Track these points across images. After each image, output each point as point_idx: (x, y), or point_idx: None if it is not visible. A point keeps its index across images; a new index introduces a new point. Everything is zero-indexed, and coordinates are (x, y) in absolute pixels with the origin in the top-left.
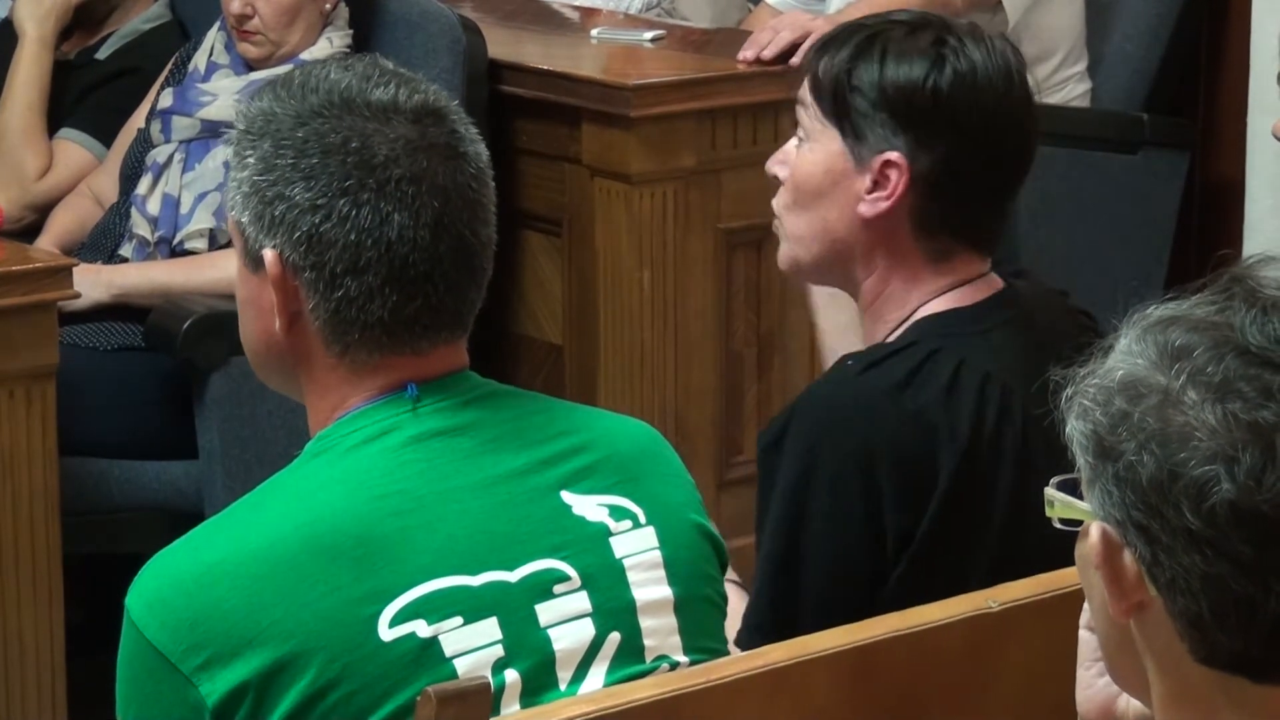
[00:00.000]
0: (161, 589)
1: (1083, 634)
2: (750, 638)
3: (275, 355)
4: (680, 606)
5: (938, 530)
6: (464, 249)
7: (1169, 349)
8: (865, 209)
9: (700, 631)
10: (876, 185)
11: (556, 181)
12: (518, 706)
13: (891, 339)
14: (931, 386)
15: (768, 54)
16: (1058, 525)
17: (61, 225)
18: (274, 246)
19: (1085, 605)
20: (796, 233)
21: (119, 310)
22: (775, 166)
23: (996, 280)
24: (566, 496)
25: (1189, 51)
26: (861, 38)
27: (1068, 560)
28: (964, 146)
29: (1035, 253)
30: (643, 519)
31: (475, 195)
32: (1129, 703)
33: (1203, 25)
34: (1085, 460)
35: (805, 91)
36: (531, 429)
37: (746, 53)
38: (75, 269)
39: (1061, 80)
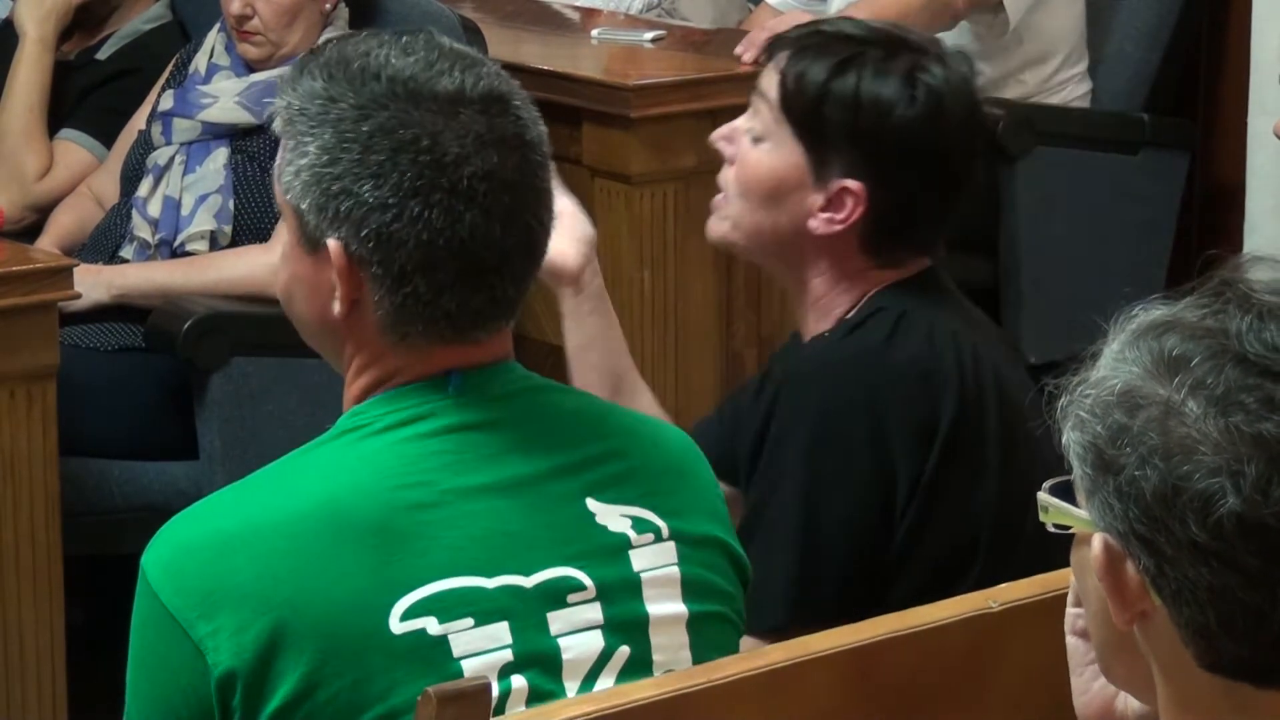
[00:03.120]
0: (178, 554)
1: (1070, 640)
2: (782, 611)
3: (327, 332)
4: (693, 623)
5: (943, 473)
6: (530, 239)
7: (1165, 357)
8: (816, 225)
9: (711, 647)
10: (830, 205)
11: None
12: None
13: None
14: (914, 340)
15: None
16: (1051, 529)
17: (62, 226)
18: (339, 238)
19: (1070, 611)
20: (742, 223)
21: (120, 311)
22: (721, 142)
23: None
24: (591, 504)
25: (1189, 52)
26: (836, 60)
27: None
28: (926, 182)
29: (1035, 253)
30: (665, 534)
31: (541, 184)
32: (1127, 701)
33: (1203, 26)
34: (1084, 471)
35: (771, 88)
36: (564, 430)
37: (745, 55)
38: (76, 270)
39: (1062, 81)
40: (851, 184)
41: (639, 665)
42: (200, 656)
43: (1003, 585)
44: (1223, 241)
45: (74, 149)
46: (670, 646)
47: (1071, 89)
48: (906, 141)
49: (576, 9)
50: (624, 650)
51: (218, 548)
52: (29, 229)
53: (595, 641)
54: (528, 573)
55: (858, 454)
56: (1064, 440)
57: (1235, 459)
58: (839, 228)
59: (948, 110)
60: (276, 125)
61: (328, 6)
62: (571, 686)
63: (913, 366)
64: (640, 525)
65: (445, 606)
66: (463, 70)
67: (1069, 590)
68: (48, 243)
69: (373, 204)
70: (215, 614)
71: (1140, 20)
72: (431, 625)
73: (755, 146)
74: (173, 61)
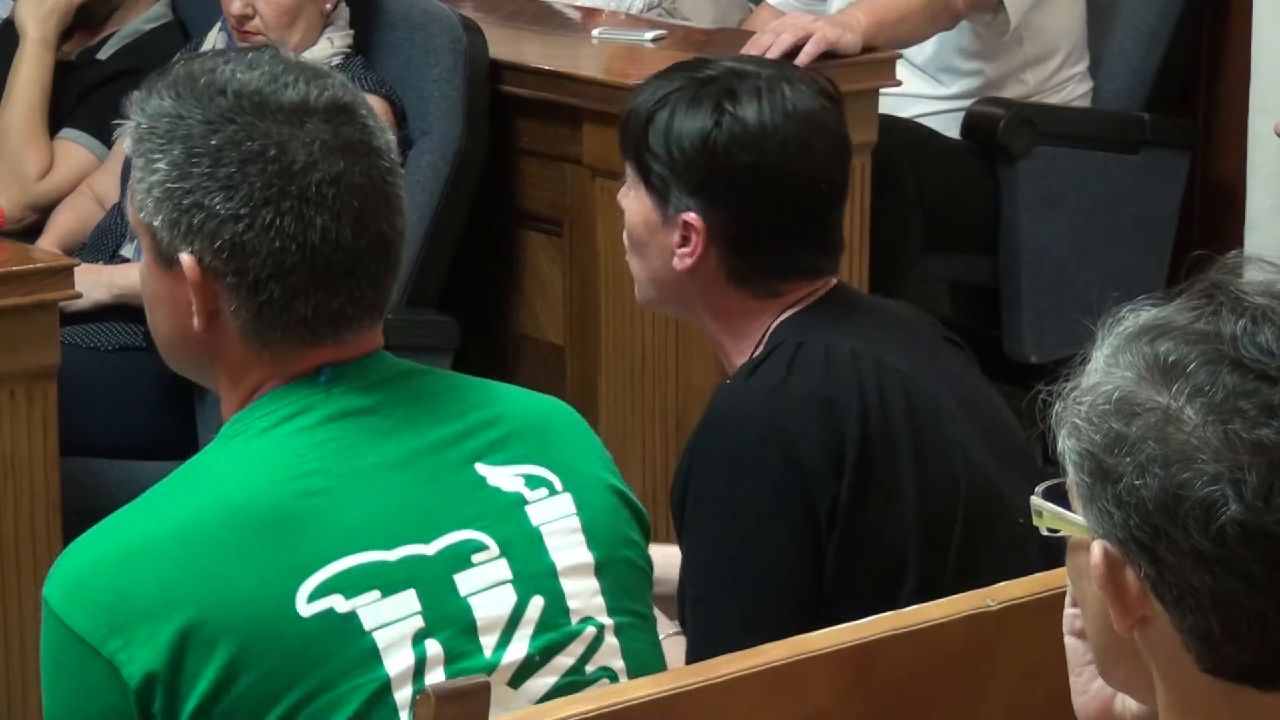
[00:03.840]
0: (80, 575)
1: (1069, 640)
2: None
3: (190, 349)
4: (601, 569)
5: (859, 492)
6: (383, 242)
7: (1159, 363)
8: (677, 263)
9: (623, 593)
10: (684, 241)
11: (557, 182)
12: (442, 676)
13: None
14: (811, 371)
15: (770, 56)
16: (1045, 533)
17: (63, 225)
18: (192, 252)
19: (1067, 612)
20: (635, 274)
21: (120, 310)
22: (620, 198)
23: (831, 280)
24: (481, 469)
25: (1190, 51)
26: (655, 99)
27: (992, 500)
28: (754, 204)
29: (1036, 253)
30: (559, 486)
31: (390, 189)
32: (1125, 701)
33: (1204, 25)
34: (1080, 478)
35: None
36: (444, 405)
37: (748, 54)
38: (76, 269)
39: (1063, 80)
40: (689, 216)
41: (556, 614)
42: (114, 671)
43: (1001, 584)
44: (1223, 241)
45: (75, 148)
46: (583, 593)
47: (1072, 88)
48: (722, 166)
49: (577, 8)
50: (538, 601)
51: (118, 564)
52: (30, 229)
53: (507, 596)
54: (428, 540)
55: (774, 494)
56: (1059, 447)
57: (1235, 466)
58: (691, 261)
59: (757, 132)
60: (127, 146)
61: (328, 6)
62: (489, 643)
63: (812, 397)
64: (533, 481)
65: (350, 583)
66: (307, 82)
67: (1066, 591)
68: (48, 242)
69: (224, 215)
70: (124, 628)
71: (1141, 19)
72: (338, 603)
73: (625, 200)
74: (173, 61)
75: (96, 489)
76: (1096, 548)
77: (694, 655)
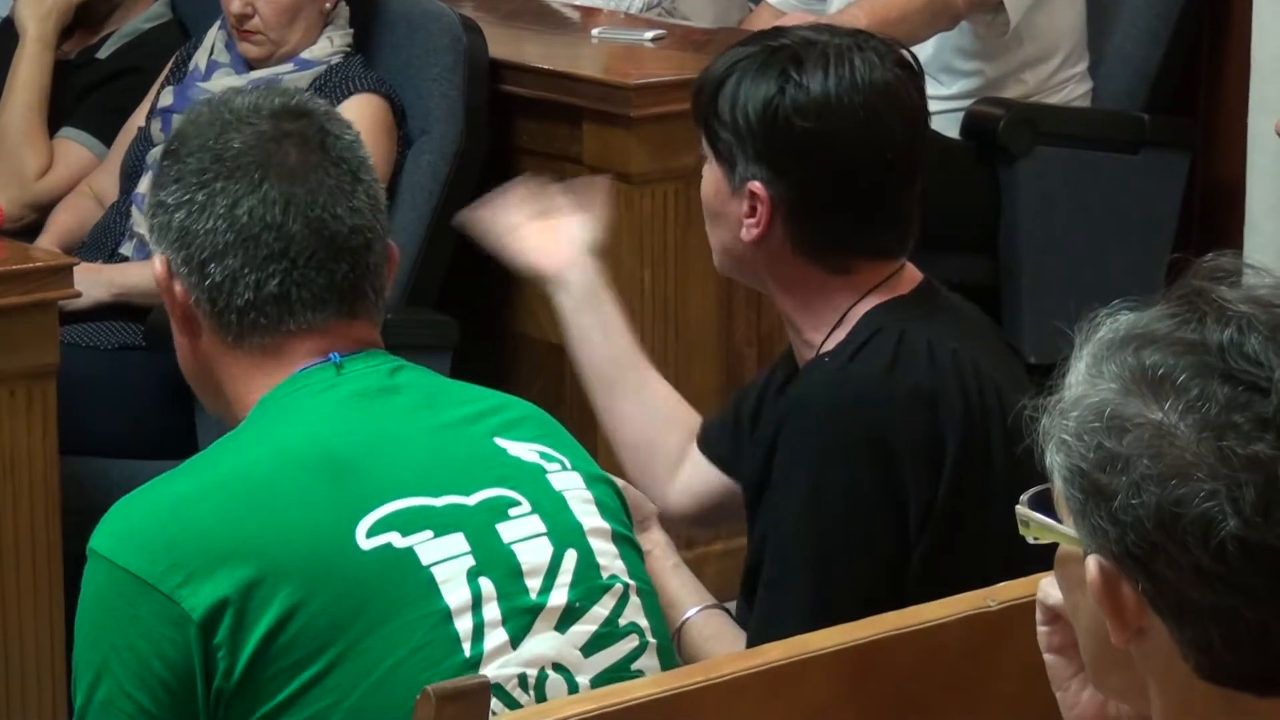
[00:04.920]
0: (132, 522)
1: (1049, 658)
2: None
3: (196, 372)
4: (615, 538)
5: (954, 499)
6: (322, 228)
7: (1146, 375)
8: (745, 234)
9: (635, 564)
10: (750, 212)
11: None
12: (497, 611)
13: (831, 338)
14: (916, 364)
15: None
16: (1031, 542)
17: (62, 224)
18: (161, 253)
19: (1041, 630)
20: (712, 244)
21: (120, 309)
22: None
23: (915, 271)
24: (500, 442)
25: (1190, 51)
26: (724, 68)
27: None
28: (815, 173)
29: (1036, 253)
30: (568, 465)
31: (334, 180)
32: (1118, 707)
33: (1204, 25)
34: (1071, 493)
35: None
36: (456, 391)
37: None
38: (76, 268)
39: (1062, 80)
40: (754, 185)
41: (589, 568)
42: (174, 605)
43: (1001, 584)
44: (1223, 241)
45: (74, 147)
46: (607, 554)
47: (1072, 88)
48: (786, 135)
49: (577, 8)
50: (571, 553)
51: (173, 508)
52: (29, 228)
53: (544, 547)
54: (468, 494)
55: (869, 485)
56: (1047, 461)
57: (1232, 482)
58: (757, 231)
59: (821, 102)
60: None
61: (327, 5)
62: (534, 586)
63: (917, 394)
64: (547, 457)
65: (403, 522)
66: (271, 95)
67: (1037, 607)
68: (48, 241)
69: (172, 205)
70: (183, 564)
71: (1141, 19)
72: (396, 539)
73: (703, 168)
74: (173, 59)
75: (96, 488)
76: (1092, 563)
77: (761, 636)
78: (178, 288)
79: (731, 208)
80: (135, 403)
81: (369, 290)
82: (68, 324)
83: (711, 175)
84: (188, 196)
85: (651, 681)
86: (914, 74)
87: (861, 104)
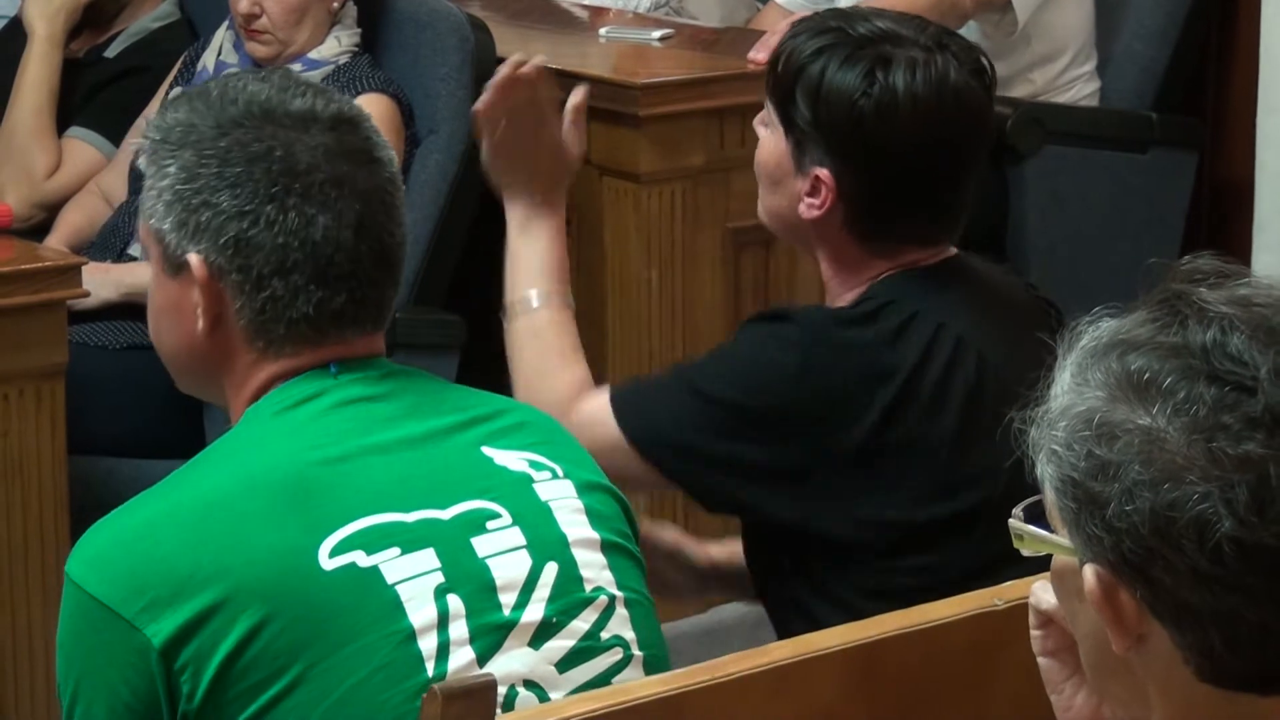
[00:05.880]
0: (100, 548)
1: (1042, 661)
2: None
3: (197, 357)
4: (605, 548)
5: (867, 449)
6: (383, 249)
7: (1132, 380)
8: (803, 210)
9: (626, 574)
10: (812, 192)
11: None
12: (465, 629)
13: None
14: (880, 328)
15: None
16: (1025, 554)
17: (70, 224)
18: (199, 251)
19: (1034, 634)
20: (762, 204)
21: (128, 309)
22: (756, 125)
23: (950, 249)
24: (487, 451)
25: (1198, 51)
26: (811, 50)
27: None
28: (889, 172)
29: (1043, 252)
30: (560, 473)
31: (390, 199)
32: (1113, 710)
33: (1212, 24)
34: (1063, 503)
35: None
36: (449, 398)
37: (758, 54)
38: (84, 268)
39: (1071, 79)
40: (822, 173)
41: (569, 581)
42: (136, 632)
43: (1007, 583)
44: (1232, 240)
45: (82, 147)
46: (593, 565)
47: (1080, 87)
48: (865, 135)
49: (584, 7)
50: (552, 566)
51: (138, 533)
52: (38, 227)
53: (522, 561)
54: (443, 506)
55: (780, 385)
56: (1038, 472)
57: (1225, 483)
58: (819, 213)
59: (905, 102)
60: (140, 163)
61: (335, 5)
62: (507, 602)
63: (868, 350)
64: (537, 465)
65: (370, 540)
66: (314, 95)
67: (1030, 612)
68: (56, 241)
69: (230, 212)
70: (145, 591)
71: (1149, 19)
72: (360, 558)
73: (763, 130)
74: (181, 59)
75: (104, 487)
76: (1089, 572)
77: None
78: (217, 287)
79: (791, 182)
80: (143, 402)
81: (394, 305)
82: (76, 323)
83: (775, 145)
84: (252, 207)
85: (657, 680)
86: (989, 79)
87: (939, 110)
